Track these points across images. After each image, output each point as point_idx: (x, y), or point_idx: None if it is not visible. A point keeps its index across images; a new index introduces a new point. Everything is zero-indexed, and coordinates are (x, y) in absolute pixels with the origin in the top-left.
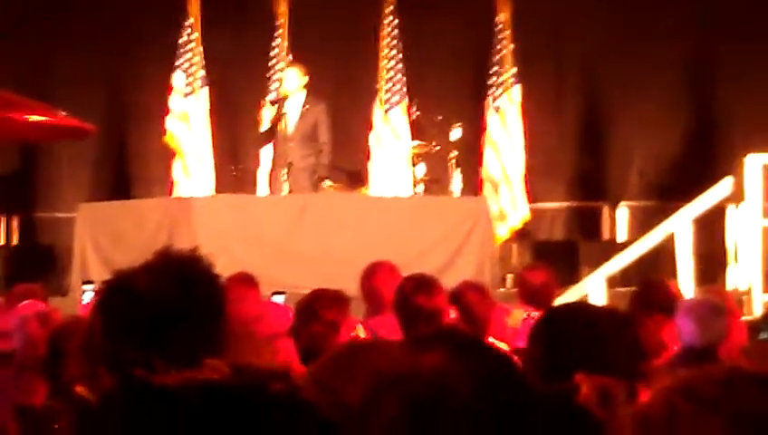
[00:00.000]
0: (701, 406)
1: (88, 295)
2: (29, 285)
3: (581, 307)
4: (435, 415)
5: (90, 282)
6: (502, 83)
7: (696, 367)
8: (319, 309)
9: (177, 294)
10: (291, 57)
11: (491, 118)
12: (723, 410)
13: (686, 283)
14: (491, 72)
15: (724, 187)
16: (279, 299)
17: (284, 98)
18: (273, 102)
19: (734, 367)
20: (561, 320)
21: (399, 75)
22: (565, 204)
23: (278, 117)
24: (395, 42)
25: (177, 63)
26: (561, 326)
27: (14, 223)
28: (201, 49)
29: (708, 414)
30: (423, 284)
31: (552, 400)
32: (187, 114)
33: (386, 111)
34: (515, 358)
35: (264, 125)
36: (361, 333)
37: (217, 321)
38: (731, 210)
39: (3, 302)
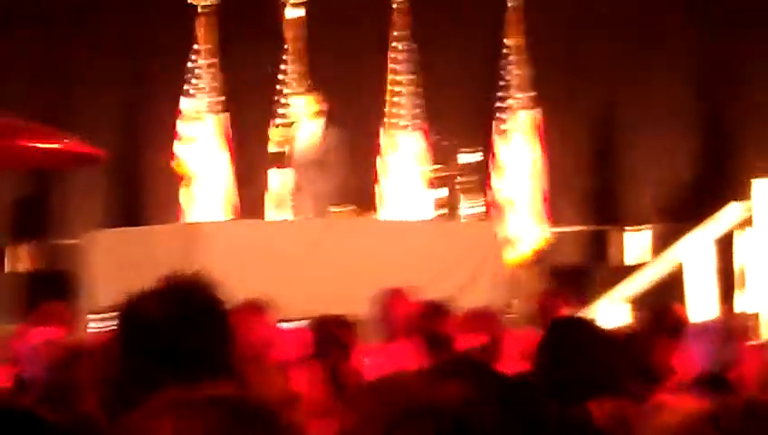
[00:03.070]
0: None
1: (93, 325)
2: (53, 305)
3: (585, 325)
4: None
5: (95, 312)
6: (513, 108)
7: (708, 391)
8: (337, 335)
9: (178, 320)
10: (309, 82)
11: (502, 142)
12: None
13: (697, 306)
14: (503, 96)
15: (733, 211)
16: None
17: (295, 122)
18: (283, 126)
19: (759, 397)
20: (563, 336)
21: (411, 100)
22: (578, 228)
23: (288, 141)
24: (407, 67)
25: (186, 89)
26: (564, 343)
27: (28, 250)
28: (211, 74)
29: None
30: (437, 309)
31: (572, 424)
32: (197, 139)
33: (397, 136)
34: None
35: (274, 147)
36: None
37: (221, 344)
38: (740, 234)
39: (20, 328)
